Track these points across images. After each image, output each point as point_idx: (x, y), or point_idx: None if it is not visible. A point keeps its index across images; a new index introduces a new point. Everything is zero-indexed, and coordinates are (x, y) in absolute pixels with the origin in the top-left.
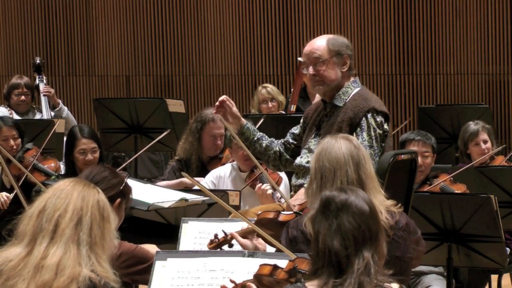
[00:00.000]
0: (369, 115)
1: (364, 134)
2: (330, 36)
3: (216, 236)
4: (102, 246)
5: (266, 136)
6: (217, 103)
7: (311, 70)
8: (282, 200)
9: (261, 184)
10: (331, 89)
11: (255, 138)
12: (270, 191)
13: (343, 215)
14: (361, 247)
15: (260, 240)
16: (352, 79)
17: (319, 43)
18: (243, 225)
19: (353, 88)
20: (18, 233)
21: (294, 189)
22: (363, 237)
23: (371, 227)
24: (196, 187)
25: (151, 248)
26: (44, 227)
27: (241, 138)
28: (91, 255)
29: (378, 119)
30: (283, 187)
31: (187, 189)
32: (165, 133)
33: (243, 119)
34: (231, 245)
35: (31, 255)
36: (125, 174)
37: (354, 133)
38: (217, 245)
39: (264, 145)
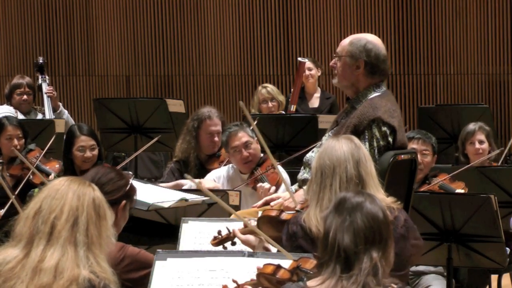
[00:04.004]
0: (373, 125)
1: (366, 145)
2: (358, 36)
3: (219, 232)
4: (99, 245)
5: None
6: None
7: (333, 60)
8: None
9: (261, 184)
10: (346, 87)
11: None
12: (272, 190)
13: (357, 213)
14: (370, 247)
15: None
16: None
17: (346, 40)
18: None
19: (372, 93)
20: (15, 234)
21: (299, 183)
22: (373, 238)
23: (382, 232)
24: (195, 187)
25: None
26: (40, 229)
27: None
28: (89, 255)
29: (382, 129)
30: (283, 187)
31: (187, 189)
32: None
33: None
34: (234, 243)
35: (29, 258)
36: (130, 174)
37: None
38: (220, 242)
39: None
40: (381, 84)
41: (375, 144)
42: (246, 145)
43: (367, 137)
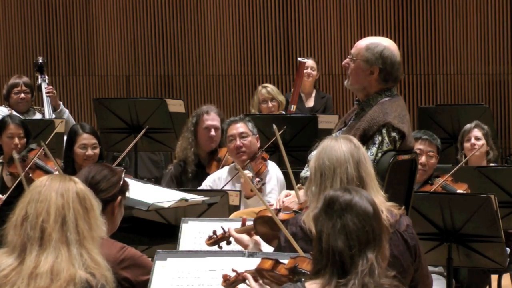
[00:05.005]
0: (383, 130)
1: (374, 149)
2: (376, 42)
3: (214, 232)
4: (91, 238)
5: None
6: None
7: (346, 60)
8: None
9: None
10: (357, 90)
11: None
12: (250, 175)
13: (347, 215)
14: (365, 248)
15: (256, 237)
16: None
17: (362, 42)
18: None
19: (383, 97)
20: (7, 242)
21: (302, 181)
22: (367, 238)
23: (374, 228)
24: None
25: None
26: (31, 235)
27: None
28: (82, 252)
29: (392, 135)
30: (272, 179)
31: (187, 189)
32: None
33: None
34: (229, 242)
35: (24, 265)
36: (121, 169)
37: (365, 145)
38: (215, 242)
39: None
40: (392, 88)
41: (384, 148)
42: (242, 135)
43: (376, 141)
